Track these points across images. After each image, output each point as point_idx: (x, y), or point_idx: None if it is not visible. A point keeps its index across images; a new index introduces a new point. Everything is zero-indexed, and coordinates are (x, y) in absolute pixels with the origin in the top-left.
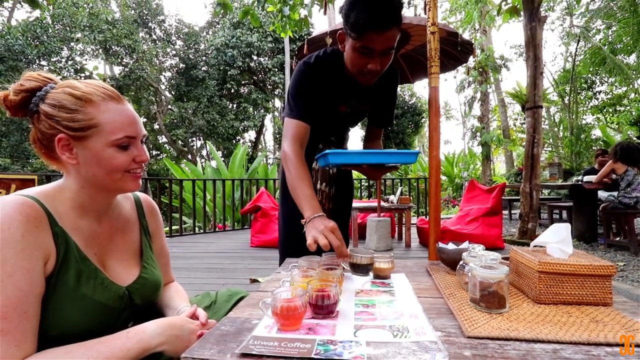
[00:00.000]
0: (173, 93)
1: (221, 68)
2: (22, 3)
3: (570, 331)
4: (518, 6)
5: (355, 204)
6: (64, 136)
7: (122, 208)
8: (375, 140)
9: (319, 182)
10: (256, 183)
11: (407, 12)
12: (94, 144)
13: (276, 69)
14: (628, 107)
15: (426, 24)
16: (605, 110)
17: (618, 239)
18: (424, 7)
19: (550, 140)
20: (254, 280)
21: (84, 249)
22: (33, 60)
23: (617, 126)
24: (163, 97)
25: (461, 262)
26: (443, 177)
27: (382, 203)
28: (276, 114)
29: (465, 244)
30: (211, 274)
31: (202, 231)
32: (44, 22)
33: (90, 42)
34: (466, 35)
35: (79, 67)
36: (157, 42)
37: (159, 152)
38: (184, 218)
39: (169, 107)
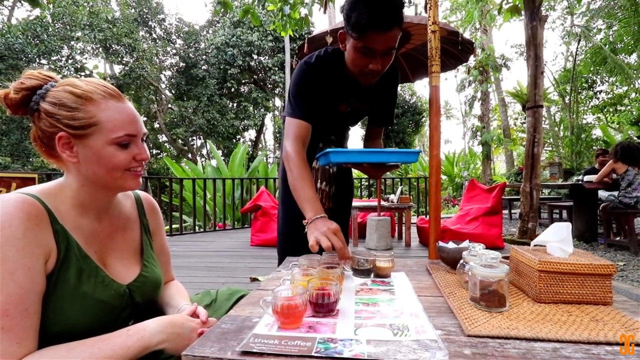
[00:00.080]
0: (173, 92)
1: (221, 67)
2: (23, 2)
3: (570, 330)
4: (519, 5)
5: (355, 203)
6: (65, 134)
7: (123, 206)
8: (375, 139)
9: (319, 181)
10: (256, 182)
11: (407, 11)
12: (95, 142)
13: (276, 68)
14: (629, 107)
15: (427, 23)
16: (605, 110)
17: (618, 238)
18: (424, 6)
19: (551, 139)
20: (254, 279)
21: (84, 247)
22: (33, 59)
23: (617, 126)
24: (163, 96)
25: (461, 261)
26: (443, 177)
27: (382, 202)
28: (276, 113)
29: (465, 243)
30: (211, 273)
31: (202, 230)
32: (44, 20)
33: (91, 41)
34: (467, 35)
35: (79, 66)
36: (157, 40)
37: (159, 151)
38: (184, 217)
39: (169, 106)
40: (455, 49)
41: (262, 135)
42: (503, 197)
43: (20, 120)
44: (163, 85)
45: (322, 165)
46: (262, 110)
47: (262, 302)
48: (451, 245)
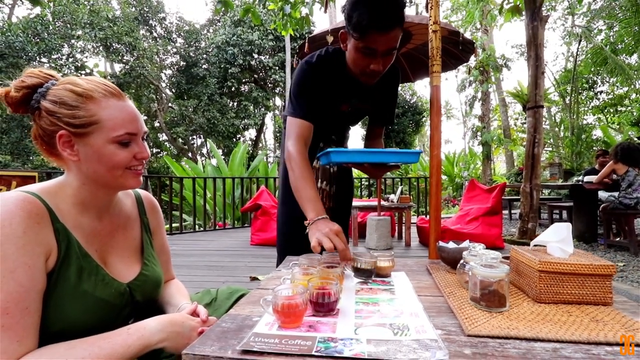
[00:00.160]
0: (173, 91)
1: (222, 66)
2: (23, 0)
3: (570, 330)
4: (520, 5)
5: (356, 202)
6: (65, 133)
7: (123, 205)
8: (376, 139)
9: (319, 180)
10: (256, 181)
11: (408, 11)
12: (95, 140)
13: (277, 67)
14: (629, 108)
15: (427, 22)
16: (606, 111)
17: (618, 239)
18: (425, 6)
19: (551, 140)
20: (254, 278)
21: (85, 246)
22: (33, 57)
23: (618, 126)
24: (163, 94)
25: (462, 261)
26: (443, 177)
27: (382, 202)
28: (277, 112)
29: (465, 243)
30: (211, 272)
31: (202, 229)
32: (44, 19)
33: (91, 40)
34: (467, 35)
35: (79, 65)
36: (157, 39)
37: (159, 150)
38: (184, 216)
39: (170, 105)
40: (456, 49)
41: (262, 135)
42: (503, 197)
43: (20, 118)
44: (163, 84)
45: (322, 164)
46: (263, 109)
47: (262, 301)
48: (451, 245)
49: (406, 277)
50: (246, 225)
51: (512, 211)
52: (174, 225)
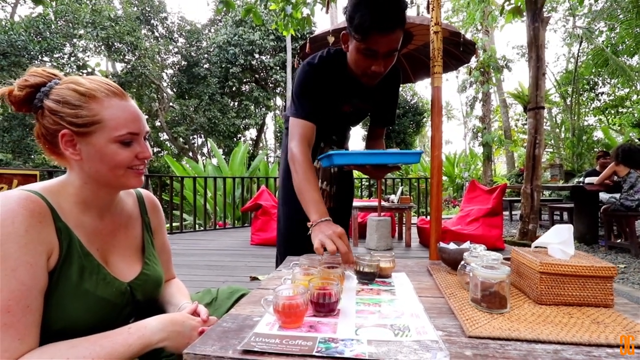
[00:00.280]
0: (175, 90)
1: (223, 66)
2: None
3: (571, 332)
4: (521, 6)
5: (356, 203)
6: (68, 132)
7: (125, 204)
8: (377, 139)
9: (320, 180)
10: (257, 181)
11: (409, 12)
12: (97, 140)
13: (278, 67)
14: (630, 109)
15: (429, 23)
16: (607, 112)
17: (619, 241)
18: (427, 7)
19: (552, 141)
20: (254, 278)
21: (86, 245)
22: (35, 56)
23: (619, 128)
24: (165, 94)
25: (462, 262)
26: (444, 177)
27: (383, 202)
28: (277, 112)
29: (466, 244)
30: (211, 272)
31: (202, 228)
32: (46, 18)
33: (93, 39)
34: (468, 36)
35: (81, 64)
36: (159, 39)
37: (160, 150)
38: (184, 215)
39: (171, 104)
40: (457, 50)
41: (263, 135)
42: (504, 198)
43: (22, 117)
44: (165, 84)
45: (324, 167)
46: (263, 109)
47: (263, 301)
48: (452, 246)
49: (407, 277)
50: (246, 225)
51: (513, 212)
52: (174, 224)
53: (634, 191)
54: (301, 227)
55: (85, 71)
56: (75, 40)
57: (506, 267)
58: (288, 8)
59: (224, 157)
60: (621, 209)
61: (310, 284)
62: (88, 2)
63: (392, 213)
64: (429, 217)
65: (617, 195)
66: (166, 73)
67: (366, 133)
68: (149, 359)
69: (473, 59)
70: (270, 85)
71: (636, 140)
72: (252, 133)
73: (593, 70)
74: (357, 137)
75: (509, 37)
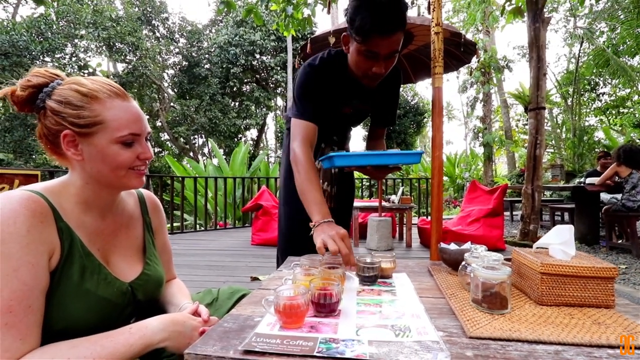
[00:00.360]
0: (175, 90)
1: (224, 66)
2: None
3: (572, 333)
4: (522, 7)
5: (357, 203)
6: (70, 132)
7: (126, 204)
8: (378, 140)
9: (320, 181)
10: (257, 181)
11: (410, 12)
12: (99, 140)
13: (279, 68)
14: (631, 109)
15: (429, 24)
16: (608, 112)
17: (620, 241)
18: (427, 7)
19: (553, 141)
20: (254, 278)
21: (88, 245)
22: (37, 56)
23: (620, 128)
24: (165, 94)
25: (463, 263)
26: (444, 178)
27: (384, 203)
28: (278, 112)
29: (467, 245)
30: (212, 272)
31: (203, 229)
32: (48, 18)
33: (94, 39)
34: (469, 36)
35: (82, 64)
36: (160, 39)
37: (161, 150)
38: (185, 215)
39: (172, 104)
40: (458, 51)
41: (263, 135)
42: (504, 198)
43: (23, 117)
44: (165, 84)
45: (325, 168)
46: (264, 109)
47: (264, 302)
48: (453, 246)
49: (407, 278)
50: (247, 225)
51: (514, 213)
52: (175, 224)
53: (635, 192)
54: (302, 227)
55: (86, 71)
56: (76, 40)
57: (507, 267)
58: (289, 8)
59: (224, 157)
60: (623, 210)
61: (311, 284)
62: (89, 2)
63: (392, 213)
64: (429, 217)
65: (619, 196)
66: (167, 73)
67: (367, 133)
68: (150, 359)
69: (474, 59)
70: (271, 85)
71: (637, 141)
72: (252, 133)
73: (594, 71)
74: (357, 138)
75: (510, 38)
